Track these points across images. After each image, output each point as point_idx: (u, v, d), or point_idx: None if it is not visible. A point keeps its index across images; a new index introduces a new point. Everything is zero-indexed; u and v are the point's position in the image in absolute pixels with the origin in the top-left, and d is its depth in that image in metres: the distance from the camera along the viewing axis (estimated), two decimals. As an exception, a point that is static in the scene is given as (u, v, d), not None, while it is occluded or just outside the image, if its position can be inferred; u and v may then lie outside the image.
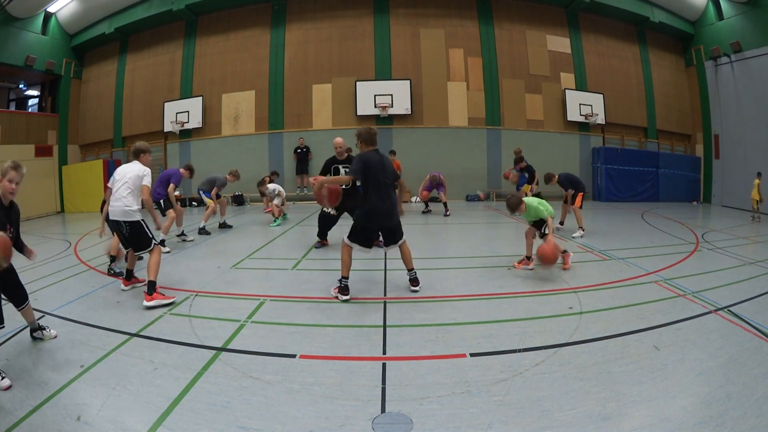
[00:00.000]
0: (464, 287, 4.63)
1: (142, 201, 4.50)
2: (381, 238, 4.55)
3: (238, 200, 13.86)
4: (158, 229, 5.28)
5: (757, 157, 12.64)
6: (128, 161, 4.68)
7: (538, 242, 5.35)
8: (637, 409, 2.35)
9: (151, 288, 4.08)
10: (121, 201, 4.31)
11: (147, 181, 4.46)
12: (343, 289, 4.21)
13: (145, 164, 4.59)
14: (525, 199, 5.34)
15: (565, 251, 5.39)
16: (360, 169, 4.17)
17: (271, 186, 9.69)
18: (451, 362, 2.94)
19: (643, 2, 14.70)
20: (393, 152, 11.68)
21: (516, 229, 8.06)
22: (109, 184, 4.55)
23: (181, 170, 7.63)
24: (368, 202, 4.22)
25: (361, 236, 4.28)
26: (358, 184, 4.37)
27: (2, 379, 2.58)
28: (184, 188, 8.15)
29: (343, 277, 4.23)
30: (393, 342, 3.27)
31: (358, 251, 4.35)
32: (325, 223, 6.67)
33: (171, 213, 7.19)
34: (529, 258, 5.31)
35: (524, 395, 2.49)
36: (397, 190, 4.51)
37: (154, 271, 4.15)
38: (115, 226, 4.45)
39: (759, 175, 10.91)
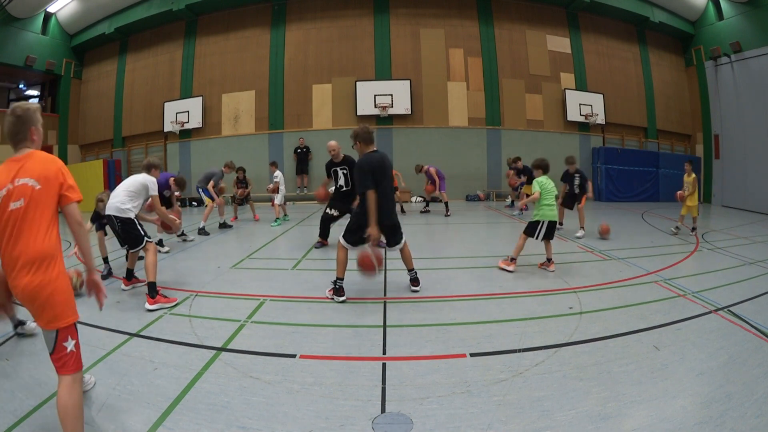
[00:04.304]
0: (464, 287, 4.63)
1: (141, 204, 4.65)
2: (383, 239, 4.47)
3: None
4: (168, 230, 5.32)
5: (757, 157, 12.66)
6: (128, 171, 4.88)
7: (536, 244, 5.37)
8: (637, 409, 2.35)
9: (153, 291, 4.07)
10: (116, 198, 4.48)
11: (154, 191, 4.65)
12: (338, 291, 4.18)
13: (154, 177, 4.77)
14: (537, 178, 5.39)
15: (550, 260, 5.32)
16: (371, 178, 3.95)
17: (278, 172, 9.69)
18: (451, 362, 2.94)
19: (643, 2, 14.72)
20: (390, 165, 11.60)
21: (516, 229, 8.05)
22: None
23: (171, 180, 7.44)
24: (378, 200, 4.04)
25: (357, 236, 4.15)
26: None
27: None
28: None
29: (338, 278, 4.20)
30: (393, 342, 3.27)
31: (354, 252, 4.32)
32: (328, 225, 6.67)
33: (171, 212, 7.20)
34: (512, 259, 5.26)
35: (524, 395, 2.49)
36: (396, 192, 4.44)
37: (153, 272, 4.15)
38: (109, 222, 4.61)
39: (690, 162, 8.36)
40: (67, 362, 1.94)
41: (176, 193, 7.46)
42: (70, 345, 1.94)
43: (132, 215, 4.43)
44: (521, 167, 10.65)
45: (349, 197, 6.37)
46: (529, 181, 10.39)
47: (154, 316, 3.82)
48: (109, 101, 15.84)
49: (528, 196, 10.00)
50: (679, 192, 8.12)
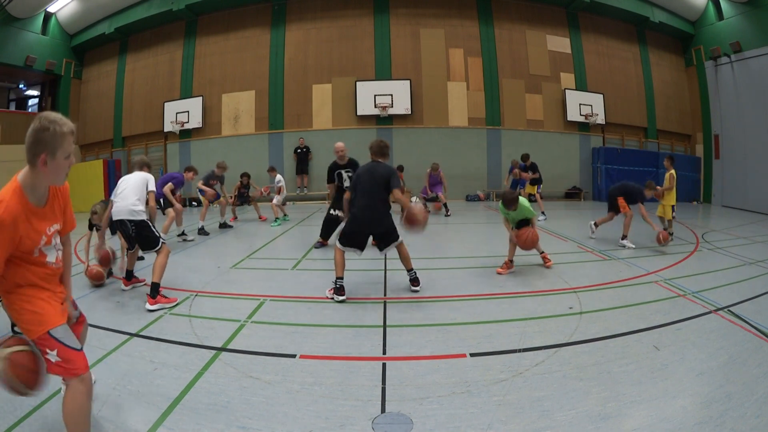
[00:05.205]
0: (464, 287, 4.63)
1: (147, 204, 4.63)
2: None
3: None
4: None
5: (757, 157, 12.65)
6: (128, 171, 4.85)
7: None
8: (637, 409, 2.35)
9: (155, 291, 4.06)
10: (126, 201, 4.36)
11: (152, 186, 4.63)
12: (338, 290, 4.22)
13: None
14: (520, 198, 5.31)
15: (542, 252, 5.44)
16: (351, 183, 4.59)
17: (278, 176, 9.79)
18: (451, 362, 2.94)
19: (643, 2, 14.72)
20: (401, 167, 11.51)
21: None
22: (112, 197, 4.58)
23: (185, 174, 7.62)
24: (355, 208, 4.38)
25: (350, 239, 4.36)
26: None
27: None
28: (184, 188, 8.12)
29: (337, 278, 4.24)
30: (393, 342, 3.27)
31: (352, 253, 4.40)
32: (330, 226, 6.65)
33: (171, 212, 7.20)
34: (511, 261, 5.26)
35: (524, 395, 2.49)
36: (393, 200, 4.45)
37: (159, 273, 4.12)
38: (119, 226, 4.46)
39: (671, 159, 7.66)
40: (58, 370, 1.89)
41: (178, 194, 7.50)
42: (52, 356, 1.86)
43: (145, 217, 4.38)
44: (529, 164, 10.50)
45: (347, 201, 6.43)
46: (533, 182, 10.40)
47: (154, 316, 3.82)
48: (109, 101, 15.83)
49: (530, 195, 10.04)
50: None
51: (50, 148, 1.73)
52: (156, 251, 4.30)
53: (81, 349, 1.96)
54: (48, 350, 1.86)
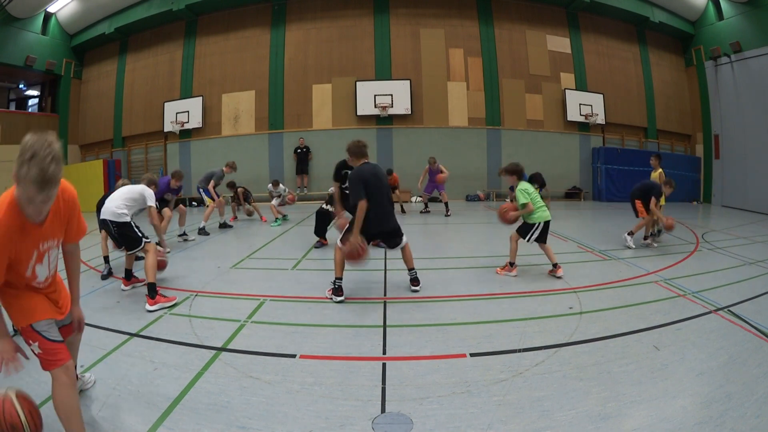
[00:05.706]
0: (464, 287, 4.63)
1: (136, 211, 4.79)
2: (381, 241, 4.59)
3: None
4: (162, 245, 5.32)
5: (757, 157, 12.65)
6: (129, 173, 5.08)
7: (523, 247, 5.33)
8: (637, 409, 2.35)
9: (152, 291, 4.08)
10: (112, 203, 4.56)
11: (151, 202, 4.79)
12: (337, 290, 4.21)
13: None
14: (521, 183, 5.16)
15: (556, 265, 5.06)
16: (362, 189, 4.14)
17: (281, 186, 9.91)
18: (451, 362, 2.94)
19: (643, 2, 14.71)
20: (390, 171, 10.95)
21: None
22: None
23: (171, 180, 7.41)
24: (369, 212, 4.18)
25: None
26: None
27: None
28: (184, 188, 8.08)
29: (337, 278, 4.24)
30: (393, 342, 3.27)
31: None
32: (323, 220, 6.73)
33: (166, 212, 7.19)
34: (512, 264, 5.14)
35: (524, 395, 2.49)
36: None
37: (152, 273, 4.17)
38: (103, 225, 4.70)
39: (658, 158, 7.40)
40: (40, 361, 1.98)
41: (177, 194, 7.48)
42: (34, 347, 1.96)
43: (127, 219, 4.51)
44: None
45: (346, 199, 6.45)
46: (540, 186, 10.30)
47: (154, 316, 3.82)
48: (109, 101, 15.83)
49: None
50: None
51: (16, 177, 1.64)
52: (141, 250, 4.44)
53: (63, 342, 2.03)
54: (30, 342, 1.96)
